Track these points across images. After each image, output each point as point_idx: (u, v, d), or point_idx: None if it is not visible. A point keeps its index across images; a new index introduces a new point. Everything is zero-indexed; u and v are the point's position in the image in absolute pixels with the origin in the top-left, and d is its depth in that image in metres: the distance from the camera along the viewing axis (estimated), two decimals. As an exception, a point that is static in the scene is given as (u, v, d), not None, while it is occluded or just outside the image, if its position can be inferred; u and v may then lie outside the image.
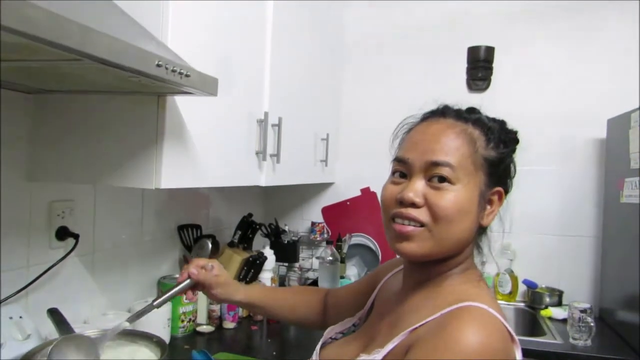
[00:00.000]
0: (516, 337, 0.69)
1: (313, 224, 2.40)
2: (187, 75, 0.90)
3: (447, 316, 0.67)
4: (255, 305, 1.11)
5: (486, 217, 0.77)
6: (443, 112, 0.81)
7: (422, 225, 0.72)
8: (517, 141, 0.82)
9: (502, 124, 0.82)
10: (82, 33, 0.65)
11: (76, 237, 1.27)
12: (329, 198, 2.49)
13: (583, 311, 1.74)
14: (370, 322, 0.87)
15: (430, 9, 2.37)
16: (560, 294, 2.14)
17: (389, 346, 0.71)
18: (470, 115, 0.79)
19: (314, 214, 2.49)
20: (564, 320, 1.89)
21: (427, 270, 0.78)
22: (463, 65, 2.32)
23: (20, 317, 1.08)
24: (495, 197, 0.78)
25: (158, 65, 0.82)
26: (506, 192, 0.80)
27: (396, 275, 0.92)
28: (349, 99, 2.46)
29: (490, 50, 2.28)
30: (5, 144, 1.11)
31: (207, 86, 0.99)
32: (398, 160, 0.78)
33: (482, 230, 0.79)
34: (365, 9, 2.45)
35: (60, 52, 0.66)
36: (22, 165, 1.16)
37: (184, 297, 1.59)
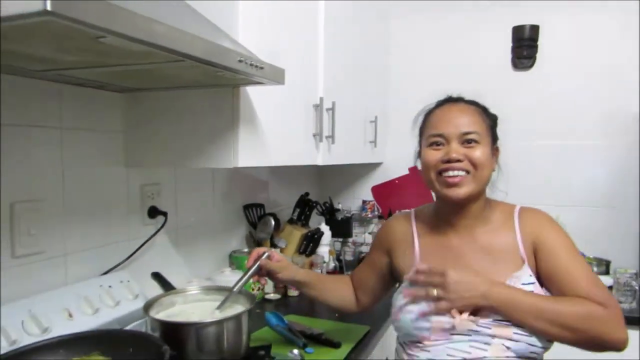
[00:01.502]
0: None
1: (364, 202, 2.53)
2: (261, 68, 1.05)
3: (525, 218, 1.07)
4: (309, 285, 1.26)
5: (494, 163, 1.10)
6: (456, 100, 1.13)
7: (466, 172, 1.03)
8: (496, 117, 1.16)
9: (485, 106, 1.15)
10: (189, 39, 0.81)
11: (165, 214, 1.47)
12: (378, 177, 2.61)
13: (629, 276, 1.80)
14: (440, 262, 1.06)
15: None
16: (607, 263, 2.17)
17: (525, 262, 1.03)
18: (471, 101, 1.13)
19: (364, 192, 2.63)
20: (611, 287, 1.95)
21: (470, 210, 1.09)
22: (508, 42, 2.37)
23: (128, 280, 1.28)
24: (496, 152, 1.12)
25: (240, 61, 0.97)
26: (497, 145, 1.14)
27: (422, 226, 1.17)
28: (395, 83, 2.56)
29: (535, 29, 2.31)
30: (104, 137, 1.31)
31: (277, 76, 1.14)
32: (435, 135, 1.07)
33: None
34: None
35: (170, 55, 0.82)
36: (119, 154, 1.35)
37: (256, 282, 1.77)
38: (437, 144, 1.07)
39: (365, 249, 2.43)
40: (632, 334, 1.68)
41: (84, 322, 1.12)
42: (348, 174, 2.64)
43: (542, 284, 1.03)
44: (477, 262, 1.05)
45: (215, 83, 1.19)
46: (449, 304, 0.97)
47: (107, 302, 1.21)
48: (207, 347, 0.99)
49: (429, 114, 1.14)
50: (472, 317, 0.98)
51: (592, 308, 0.94)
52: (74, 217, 1.23)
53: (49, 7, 0.56)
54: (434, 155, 1.06)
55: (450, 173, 1.03)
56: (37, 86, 1.12)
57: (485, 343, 0.96)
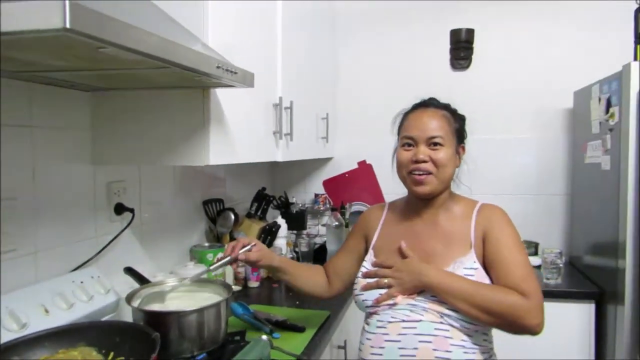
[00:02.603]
0: None
1: (316, 195, 2.65)
2: (235, 73, 1.13)
3: (484, 211, 1.24)
4: (284, 270, 1.37)
5: (457, 162, 1.27)
6: (427, 104, 1.29)
7: (429, 173, 1.20)
8: (464, 118, 1.33)
9: (454, 109, 1.32)
10: (179, 50, 0.88)
11: (132, 211, 1.50)
12: (329, 171, 2.74)
13: (554, 255, 2.05)
14: (396, 246, 1.26)
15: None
16: (536, 245, 2.43)
17: (472, 249, 1.18)
18: (440, 105, 1.29)
19: (316, 186, 2.75)
20: (539, 267, 2.19)
21: (435, 202, 1.27)
22: (447, 45, 2.56)
23: (99, 276, 1.31)
24: (461, 151, 1.29)
25: (218, 67, 1.05)
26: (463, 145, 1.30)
27: (392, 214, 1.36)
28: (344, 82, 2.69)
29: (470, 32, 2.52)
30: (72, 135, 1.33)
31: (247, 80, 1.22)
32: (407, 137, 1.24)
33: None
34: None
35: (159, 63, 0.88)
36: (87, 152, 1.37)
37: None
38: (409, 145, 1.24)
39: (319, 240, 2.55)
40: (558, 306, 1.96)
41: (61, 317, 1.15)
42: (301, 169, 2.74)
43: (487, 272, 1.18)
44: (433, 245, 1.23)
45: (187, 85, 1.25)
46: (398, 289, 1.18)
47: (81, 297, 1.24)
48: (189, 334, 1.06)
49: (405, 117, 1.30)
50: (412, 296, 1.18)
51: (515, 298, 1.09)
52: (44, 214, 1.25)
53: (68, 25, 0.61)
54: (406, 155, 1.24)
55: (417, 172, 1.21)
56: (7, 85, 1.12)
57: (423, 309, 1.15)
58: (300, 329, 1.50)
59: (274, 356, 1.26)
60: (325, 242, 2.35)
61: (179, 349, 1.07)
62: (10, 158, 1.15)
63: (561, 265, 2.03)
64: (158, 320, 1.04)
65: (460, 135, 1.28)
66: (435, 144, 1.21)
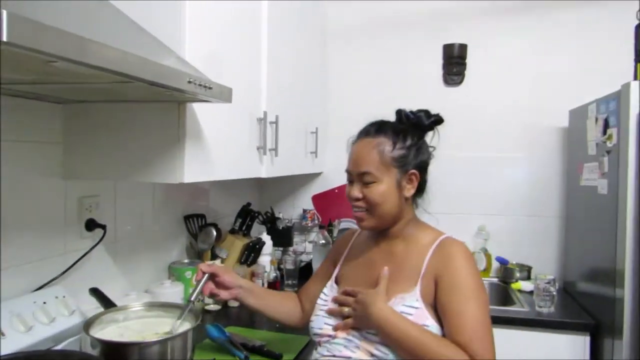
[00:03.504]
0: None
1: (304, 211, 2.59)
2: (209, 88, 1.08)
3: (442, 248, 1.10)
4: (254, 293, 1.30)
5: (407, 191, 1.14)
6: (366, 132, 1.17)
7: (366, 210, 1.13)
8: (423, 132, 1.18)
9: (415, 121, 1.16)
10: (139, 63, 0.82)
11: (104, 227, 1.44)
12: (319, 186, 2.68)
13: (547, 282, 1.98)
14: (359, 275, 1.20)
15: (406, 6, 2.55)
16: (529, 269, 2.37)
17: (417, 287, 1.07)
18: (381, 130, 1.14)
19: (304, 201, 2.68)
20: (532, 292, 2.12)
21: (390, 232, 1.18)
22: (439, 60, 2.52)
23: (64, 296, 1.25)
24: (413, 177, 1.14)
25: (189, 82, 0.99)
26: (422, 169, 1.16)
27: (358, 241, 1.30)
28: (335, 96, 2.64)
29: (463, 47, 2.48)
30: (42, 148, 1.27)
31: (224, 95, 1.17)
32: (347, 171, 1.18)
33: (416, 195, 1.18)
34: (345, 6, 2.62)
35: (119, 77, 0.83)
36: (58, 166, 1.31)
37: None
38: (349, 180, 1.17)
39: (305, 257, 2.48)
40: (550, 337, 1.88)
41: (17, 341, 1.09)
42: (289, 184, 2.68)
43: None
44: (377, 270, 1.15)
45: (161, 99, 1.19)
46: (353, 321, 1.11)
47: (41, 319, 1.17)
48: (151, 365, 0.99)
49: (350, 147, 1.21)
50: (347, 330, 1.12)
51: (457, 358, 0.97)
52: (7, 229, 1.19)
53: (4, 38, 0.56)
54: (348, 190, 1.17)
55: (354, 210, 1.16)
56: (-30, 96, 1.07)
57: (355, 346, 1.09)
58: (277, 356, 1.42)
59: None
60: (311, 260, 2.28)
61: (139, 381, 1.00)
62: (-31, 172, 1.09)
63: (554, 293, 1.96)
64: (117, 351, 0.98)
65: (406, 162, 1.12)
66: (366, 182, 1.12)
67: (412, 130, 1.16)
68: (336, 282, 1.26)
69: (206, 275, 1.20)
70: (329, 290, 1.24)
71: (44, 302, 1.20)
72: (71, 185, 1.36)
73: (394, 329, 1.03)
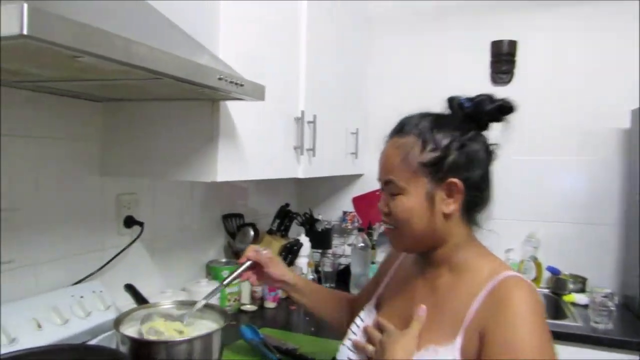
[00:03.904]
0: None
1: (344, 213, 2.55)
2: (241, 85, 1.06)
3: (498, 291, 0.81)
4: (299, 289, 1.19)
5: (447, 206, 0.87)
6: (395, 130, 0.94)
7: (394, 227, 0.90)
8: (482, 125, 0.92)
9: (471, 111, 0.91)
10: (167, 59, 0.81)
11: (141, 224, 1.46)
12: (359, 188, 2.62)
13: (604, 296, 1.83)
14: (397, 305, 0.97)
15: (451, 1, 2.45)
16: (583, 281, 2.20)
17: (458, 340, 0.81)
18: (410, 126, 0.91)
19: (345, 203, 2.64)
20: (586, 306, 1.97)
21: (433, 257, 0.92)
22: (486, 58, 2.40)
23: (101, 291, 1.27)
24: (453, 188, 0.87)
25: (219, 79, 0.98)
26: (471, 176, 0.88)
27: (406, 260, 1.05)
28: (376, 95, 2.58)
29: (513, 44, 2.35)
30: (81, 145, 1.30)
31: (257, 93, 1.15)
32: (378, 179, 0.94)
33: (471, 211, 0.90)
34: (387, 3, 2.56)
35: (148, 74, 0.82)
36: (95, 163, 1.34)
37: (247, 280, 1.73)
38: (382, 188, 0.94)
39: (344, 260, 2.44)
40: (606, 355, 1.73)
41: (53, 333, 1.11)
42: (329, 185, 2.65)
43: None
44: (416, 303, 0.91)
45: (195, 97, 1.19)
46: None
47: (78, 312, 1.20)
48: (178, 364, 0.98)
49: None
50: None
51: None
52: (47, 225, 1.22)
53: (25, 32, 0.55)
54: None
55: (384, 226, 0.94)
56: (13, 95, 1.10)
57: None
58: (309, 361, 1.39)
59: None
60: (350, 263, 2.23)
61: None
62: (12, 168, 1.12)
63: (612, 307, 1.80)
64: (144, 349, 0.97)
65: (439, 168, 0.86)
66: (392, 193, 0.89)
67: (461, 124, 0.90)
68: (376, 306, 1.04)
69: (249, 263, 1.14)
70: (366, 315, 1.03)
71: (81, 296, 1.22)
72: (109, 183, 1.39)
73: None
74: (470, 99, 0.93)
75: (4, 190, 1.11)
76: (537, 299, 0.80)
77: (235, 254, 1.97)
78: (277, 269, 1.17)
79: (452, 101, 0.94)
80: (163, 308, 1.14)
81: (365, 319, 1.02)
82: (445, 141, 0.87)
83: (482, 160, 0.91)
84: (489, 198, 0.93)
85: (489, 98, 0.92)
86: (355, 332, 1.01)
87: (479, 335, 0.80)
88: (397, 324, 0.91)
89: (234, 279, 1.13)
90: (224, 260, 1.91)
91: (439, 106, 1.02)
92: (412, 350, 0.85)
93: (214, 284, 1.72)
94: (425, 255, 0.94)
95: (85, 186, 1.32)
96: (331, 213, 2.64)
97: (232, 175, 1.30)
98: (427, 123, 0.90)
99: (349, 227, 2.50)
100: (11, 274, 1.14)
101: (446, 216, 0.88)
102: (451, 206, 0.88)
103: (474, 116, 0.91)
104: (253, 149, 1.40)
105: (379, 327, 0.94)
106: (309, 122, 1.74)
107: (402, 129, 0.92)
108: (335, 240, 2.50)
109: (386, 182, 0.90)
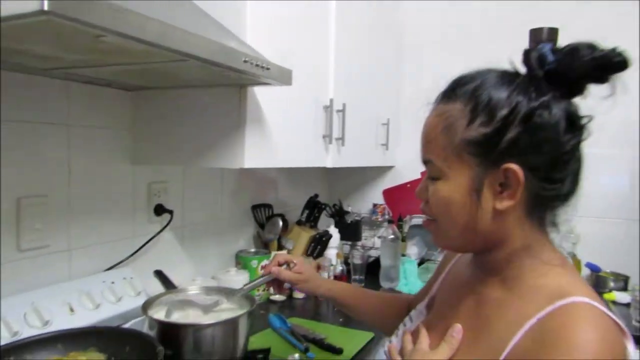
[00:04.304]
0: (627, 330, 0.63)
1: (374, 205, 2.51)
2: (267, 69, 1.04)
3: (550, 321, 0.60)
4: (338, 301, 1.10)
5: (500, 202, 0.66)
6: (444, 93, 0.73)
7: (433, 219, 0.72)
8: (570, 89, 0.68)
9: (561, 66, 0.66)
10: (191, 39, 0.80)
11: (171, 213, 1.47)
12: (390, 181, 2.58)
13: (648, 293, 1.74)
14: (443, 312, 0.81)
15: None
16: (625, 279, 2.10)
17: None
18: (460, 89, 0.70)
19: (375, 195, 2.60)
20: (628, 305, 1.88)
21: (486, 262, 0.73)
22: (525, 47, 2.31)
23: (132, 277, 1.29)
24: (511, 176, 0.64)
25: (245, 61, 0.97)
26: (534, 166, 0.65)
27: (462, 259, 0.87)
28: (409, 86, 2.52)
29: (553, 32, 2.24)
30: (112, 134, 1.32)
31: (283, 77, 1.13)
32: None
33: (537, 207, 0.68)
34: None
35: (173, 55, 0.81)
36: (127, 152, 1.36)
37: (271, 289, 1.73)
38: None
39: (374, 252, 2.40)
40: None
41: (85, 317, 1.13)
42: (359, 177, 2.62)
43: None
44: (461, 315, 0.75)
45: (222, 82, 1.19)
46: None
47: (109, 297, 1.22)
48: (204, 348, 0.98)
49: None
50: None
51: None
52: (79, 212, 1.24)
53: (45, 7, 0.56)
54: None
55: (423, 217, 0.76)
56: (45, 84, 1.13)
57: None
58: (337, 351, 1.37)
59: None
60: (379, 256, 2.19)
61: (192, 364, 1.00)
62: (44, 155, 1.15)
63: (656, 305, 1.71)
64: (172, 332, 0.98)
65: (493, 148, 0.64)
66: (431, 176, 0.71)
67: (536, 86, 0.66)
68: (428, 306, 0.88)
69: (268, 276, 1.09)
70: (416, 316, 0.88)
71: (112, 282, 1.25)
72: (140, 171, 1.41)
73: None
74: (556, 50, 0.68)
75: (39, 177, 1.14)
76: (609, 339, 0.58)
77: (264, 245, 1.97)
78: (307, 286, 1.09)
79: (528, 54, 0.69)
80: (191, 294, 1.14)
81: (414, 319, 0.88)
82: (503, 111, 0.64)
83: (559, 139, 0.66)
84: (571, 192, 0.71)
85: (588, 46, 0.66)
86: (399, 333, 0.87)
87: None
88: (441, 333, 0.74)
89: (254, 287, 1.12)
90: (253, 250, 1.91)
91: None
92: None
93: (243, 273, 1.73)
94: (478, 257, 0.76)
95: (116, 174, 1.34)
96: (361, 205, 2.60)
97: (259, 162, 1.29)
98: (484, 84, 0.68)
99: (379, 219, 2.47)
100: (46, 258, 1.17)
101: (500, 213, 0.66)
102: (505, 201, 0.65)
103: (562, 74, 0.66)
104: (281, 137, 1.39)
105: (413, 337, 0.79)
106: (338, 111, 1.72)
107: (452, 90, 0.71)
108: (365, 232, 2.47)
109: (425, 162, 0.71)
